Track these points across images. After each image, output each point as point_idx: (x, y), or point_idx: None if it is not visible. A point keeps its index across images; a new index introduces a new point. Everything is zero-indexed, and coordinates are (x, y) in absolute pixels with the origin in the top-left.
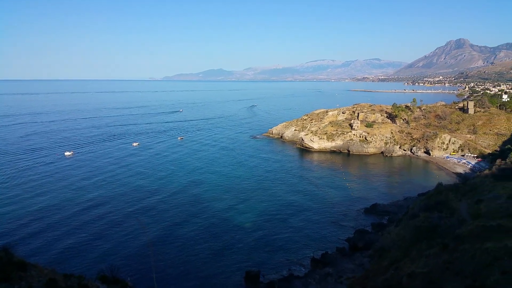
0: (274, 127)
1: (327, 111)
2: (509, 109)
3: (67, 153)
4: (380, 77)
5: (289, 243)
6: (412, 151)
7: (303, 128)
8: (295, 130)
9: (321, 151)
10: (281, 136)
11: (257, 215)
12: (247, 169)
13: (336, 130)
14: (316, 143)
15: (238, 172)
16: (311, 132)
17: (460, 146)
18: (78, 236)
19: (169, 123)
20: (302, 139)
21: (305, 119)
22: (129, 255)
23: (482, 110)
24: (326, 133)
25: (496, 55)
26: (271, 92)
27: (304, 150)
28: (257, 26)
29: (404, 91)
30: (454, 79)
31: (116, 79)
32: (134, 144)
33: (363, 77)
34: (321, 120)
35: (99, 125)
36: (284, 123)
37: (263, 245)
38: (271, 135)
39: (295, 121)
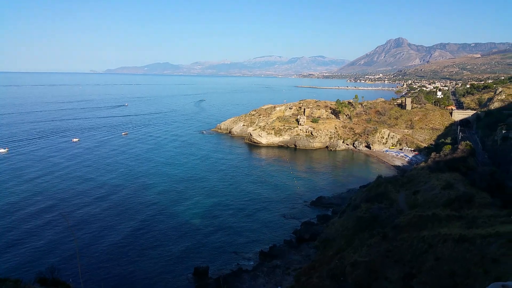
0: (222, 122)
1: (274, 107)
2: (443, 105)
3: (1, 150)
4: (324, 74)
5: (238, 238)
6: (354, 145)
7: (252, 123)
8: (243, 125)
9: (269, 146)
10: (230, 131)
11: (205, 213)
12: (196, 167)
13: (284, 125)
14: (264, 138)
15: (186, 170)
16: (259, 127)
17: (399, 140)
18: (18, 243)
19: (113, 117)
20: (250, 134)
21: (253, 114)
22: (74, 258)
23: (419, 106)
24: (274, 128)
25: (432, 54)
26: (220, 87)
27: (253, 145)
28: (204, 20)
29: (347, 87)
30: (393, 77)
31: (54, 71)
32: (74, 140)
33: (309, 74)
34: (269, 116)
35: (36, 120)
36: (233, 118)
37: (212, 241)
38: (219, 130)
39: (243, 116)
